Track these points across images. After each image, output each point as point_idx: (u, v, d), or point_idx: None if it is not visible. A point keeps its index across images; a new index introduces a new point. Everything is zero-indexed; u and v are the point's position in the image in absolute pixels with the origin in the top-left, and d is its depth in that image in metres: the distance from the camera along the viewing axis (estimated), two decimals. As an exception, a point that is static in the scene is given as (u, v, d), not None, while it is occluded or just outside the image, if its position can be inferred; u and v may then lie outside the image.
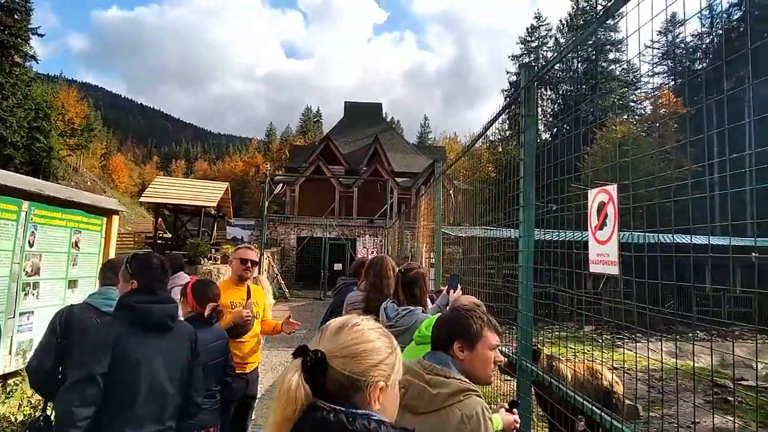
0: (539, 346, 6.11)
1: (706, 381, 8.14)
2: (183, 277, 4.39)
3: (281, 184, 31.59)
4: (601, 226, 2.84)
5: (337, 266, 20.07)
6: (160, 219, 23.82)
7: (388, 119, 72.21)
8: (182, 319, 3.26)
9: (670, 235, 15.18)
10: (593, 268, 2.92)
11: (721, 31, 41.27)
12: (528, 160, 4.10)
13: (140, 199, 24.88)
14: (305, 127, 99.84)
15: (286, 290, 20.18)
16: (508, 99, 4.95)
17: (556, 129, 44.17)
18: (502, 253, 5.36)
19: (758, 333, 13.53)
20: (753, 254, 12.03)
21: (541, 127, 50.26)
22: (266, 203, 19.96)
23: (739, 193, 24.33)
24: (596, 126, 33.76)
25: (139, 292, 2.54)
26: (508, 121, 47.73)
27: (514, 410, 3.24)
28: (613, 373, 5.87)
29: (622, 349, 10.34)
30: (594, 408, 3.25)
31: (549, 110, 49.75)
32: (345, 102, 41.85)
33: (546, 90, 49.60)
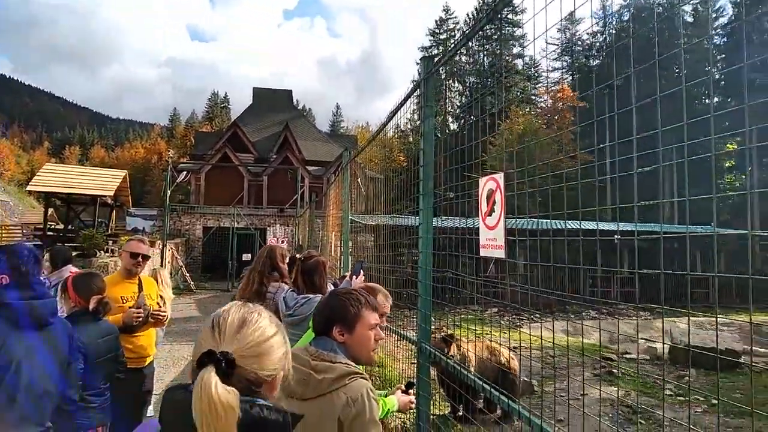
0: (446, 330, 6.35)
1: (596, 356, 8.79)
2: (69, 271, 4.12)
3: (185, 172, 30.31)
4: (490, 212, 2.98)
5: (246, 257, 19.62)
6: (50, 209, 22.09)
7: (299, 107, 71.21)
8: (65, 314, 3.07)
9: (572, 222, 16.17)
10: (483, 252, 3.07)
11: (613, 31, 44.24)
12: (427, 149, 4.21)
13: (28, 188, 22.94)
14: (212, 113, 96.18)
15: (192, 283, 19.48)
16: (410, 90, 5.05)
17: (463, 120, 45.58)
18: (407, 240, 5.50)
19: (640, 311, 14.79)
20: (615, 237, 13.05)
21: (450, 118, 51.66)
22: (169, 192, 19.09)
23: (628, 183, 26.34)
24: (499, 117, 35.14)
25: (11, 287, 2.36)
26: (417, 112, 48.71)
27: (411, 391, 3.34)
28: (511, 351, 6.20)
29: (520, 330, 10.93)
30: (485, 386, 3.42)
31: (457, 102, 51.21)
32: (254, 88, 40.73)
33: (454, 82, 50.99)
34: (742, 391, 7.13)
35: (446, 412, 5.83)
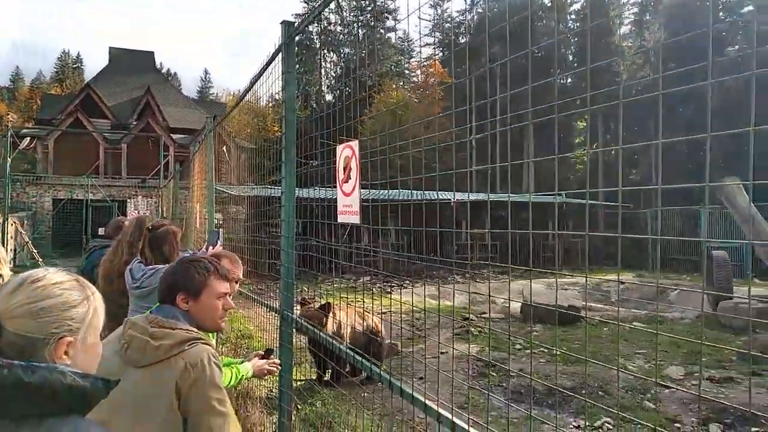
0: (320, 300, 6.39)
1: (457, 317, 9.36)
2: None
3: (29, 138, 27.19)
4: (347, 179, 3.02)
5: (102, 231, 18.19)
6: None
7: (164, 71, 66.40)
8: None
9: (438, 193, 16.91)
10: (341, 219, 3.11)
11: (481, 10, 46.18)
12: (289, 116, 4.13)
13: None
14: (62, 74, 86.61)
15: (40, 260, 17.72)
16: (271, 55, 4.88)
17: (338, 91, 45.40)
18: (273, 209, 5.42)
19: (498, 274, 15.93)
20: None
21: (324, 88, 51.16)
22: (9, 160, 17.04)
23: (491, 155, 27.99)
24: (373, 90, 35.48)
25: None
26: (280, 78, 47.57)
27: (272, 357, 3.33)
28: (377, 317, 6.41)
29: (391, 295, 11.31)
30: (348, 353, 3.50)
31: (332, 72, 50.81)
32: (110, 48, 37.23)
33: (329, 52, 50.43)
34: (579, 342, 8.01)
35: (313, 377, 5.91)
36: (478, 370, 6.44)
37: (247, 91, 5.64)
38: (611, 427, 4.82)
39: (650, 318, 10.01)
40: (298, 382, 5.77)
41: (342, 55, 50.18)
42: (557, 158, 1.87)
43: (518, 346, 7.54)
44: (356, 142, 2.91)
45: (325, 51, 50.26)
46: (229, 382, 2.84)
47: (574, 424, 4.92)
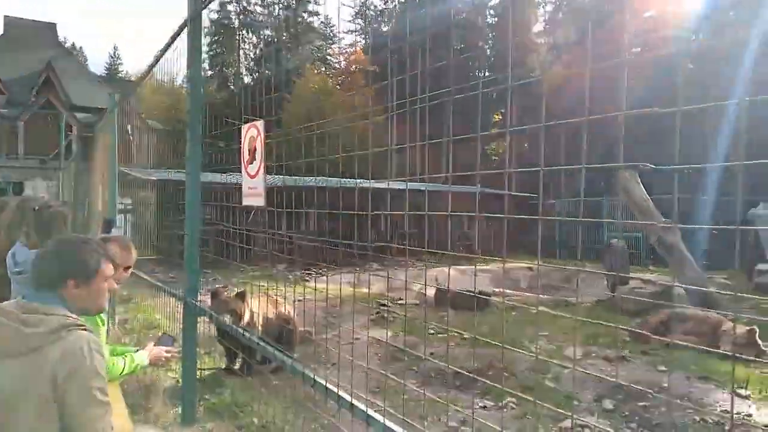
0: (234, 288, 6.19)
1: (373, 303, 9.43)
2: None
3: None
4: (252, 160, 2.92)
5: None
6: None
7: (67, 45, 61.84)
8: None
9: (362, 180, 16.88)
10: (246, 201, 3.01)
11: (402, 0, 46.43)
12: (195, 94, 3.95)
13: None
14: (-51, 43, 78.66)
15: None
16: (177, 30, 4.63)
17: (258, 74, 44.24)
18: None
19: (416, 261, 16.21)
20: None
21: (243, 70, 49.68)
22: None
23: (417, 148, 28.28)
24: (294, 75, 34.94)
25: None
26: (208, 60, 45.80)
27: (175, 344, 3.19)
28: (291, 304, 6.32)
29: (308, 283, 11.20)
30: (259, 343, 3.42)
31: (251, 54, 49.39)
32: (5, 17, 34.13)
33: (248, 33, 48.95)
34: (489, 325, 8.30)
35: (222, 366, 5.76)
36: (391, 354, 6.52)
37: (152, 67, 5.35)
38: (514, 406, 5.03)
39: (556, 302, 10.54)
40: (206, 372, 5.59)
41: (262, 37, 48.87)
42: (480, 136, 1.89)
43: (431, 331, 7.70)
44: (261, 122, 2.82)
45: (244, 32, 48.74)
46: (122, 372, 2.69)
47: (480, 404, 5.08)
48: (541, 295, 11.87)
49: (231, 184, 4.06)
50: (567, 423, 4.62)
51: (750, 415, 4.98)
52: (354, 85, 35.32)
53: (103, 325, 2.79)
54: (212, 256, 11.66)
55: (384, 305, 9.13)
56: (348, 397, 2.42)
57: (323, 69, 44.79)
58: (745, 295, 11.39)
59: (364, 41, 47.85)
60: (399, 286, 10.55)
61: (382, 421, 2.18)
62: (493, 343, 2.94)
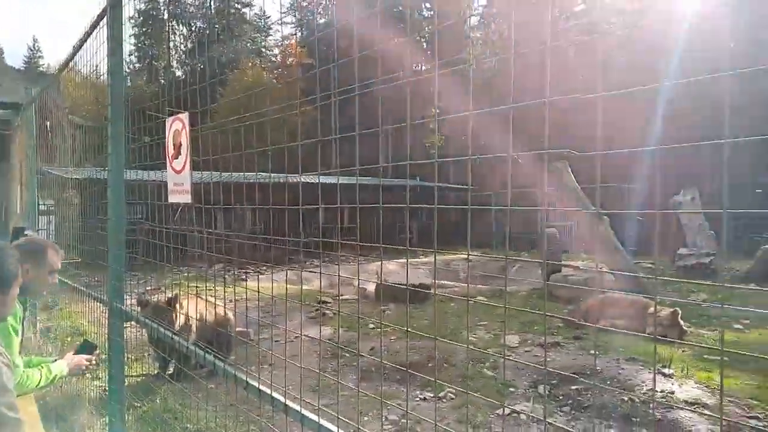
0: (166, 291, 5.92)
1: (312, 300, 9.31)
2: None
3: None
4: (177, 155, 2.78)
5: None
6: None
7: (-20, 35, 57.71)
8: None
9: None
10: (172, 198, 2.87)
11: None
12: (116, 87, 3.74)
13: None
14: None
15: None
16: (95, 20, 4.36)
17: (189, 67, 42.79)
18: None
19: (358, 256, 16.19)
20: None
21: (174, 63, 47.95)
22: None
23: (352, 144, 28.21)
24: (228, 68, 34.08)
25: None
26: (136, 53, 43.96)
27: (97, 352, 3.01)
28: (230, 305, 6.14)
29: (243, 284, 10.95)
30: (189, 348, 3.27)
31: (182, 47, 47.72)
32: None
33: (178, 25, 47.24)
34: (428, 318, 8.38)
35: (153, 372, 5.53)
36: (331, 351, 6.46)
37: (69, 59, 5.04)
38: (453, 397, 5.08)
39: (493, 292, 10.78)
40: (137, 379, 5.35)
41: (193, 29, 47.32)
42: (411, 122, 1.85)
43: (372, 326, 7.69)
44: (186, 114, 2.68)
45: (174, 23, 47.04)
46: (39, 384, 2.51)
47: (420, 396, 5.11)
48: (479, 285, 12.11)
49: (159, 181, 3.88)
50: (505, 409, 4.72)
51: (673, 393, 5.25)
52: (290, 78, 34.80)
53: (17, 335, 2.60)
54: (141, 258, 11.21)
55: (324, 302, 9.05)
56: (282, 399, 2.35)
57: (258, 62, 43.86)
58: (668, 278, 12.04)
59: (299, 34, 47.23)
60: (341, 282, 10.49)
61: (316, 420, 2.12)
62: (426, 336, 2.96)
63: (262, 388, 2.49)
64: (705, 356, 6.30)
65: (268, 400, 2.46)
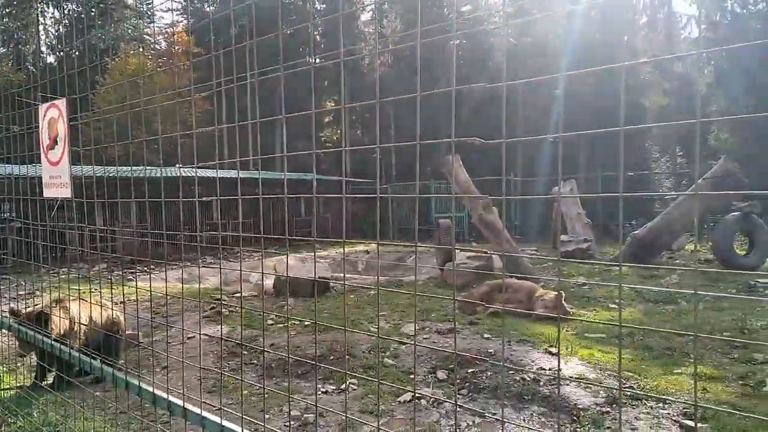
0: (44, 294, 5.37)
1: (208, 298, 8.96)
2: None
3: None
4: (53, 145, 2.54)
5: None
6: None
7: None
8: None
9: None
10: (48, 193, 2.61)
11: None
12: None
13: None
14: None
15: None
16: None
17: (62, 53, 39.28)
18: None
19: (252, 252, 15.81)
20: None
21: (44, 48, 43.87)
22: None
23: (245, 136, 27.41)
24: (108, 55, 31.77)
25: None
26: (1, 36, 39.65)
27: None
28: (118, 307, 5.73)
29: (134, 282, 10.32)
30: (72, 355, 3.02)
31: (53, 31, 43.70)
32: None
33: (49, 7, 43.14)
34: (329, 311, 8.37)
35: (28, 383, 5.05)
36: (228, 350, 6.26)
37: None
38: (356, 387, 5.12)
39: (390, 283, 10.98)
40: (9, 392, 4.87)
41: (66, 12, 43.49)
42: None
43: (271, 321, 7.55)
44: (63, 100, 2.45)
45: (44, 5, 42.97)
46: None
47: (322, 389, 5.10)
48: (376, 278, 12.28)
49: (32, 175, 3.54)
50: (406, 396, 4.82)
51: (559, 370, 5.65)
52: (176, 67, 33.06)
53: None
54: (12, 259, 10.17)
55: (219, 300, 8.74)
56: (180, 402, 2.24)
57: (141, 49, 41.21)
58: (551, 260, 12.92)
59: (185, 21, 44.90)
60: (236, 278, 10.18)
61: (218, 422, 2.05)
62: (336, 327, 2.95)
63: (157, 392, 2.36)
64: (585, 335, 6.83)
65: (165, 405, 2.33)
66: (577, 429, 4.33)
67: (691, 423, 4.34)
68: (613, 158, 23.97)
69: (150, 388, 2.37)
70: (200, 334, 3.24)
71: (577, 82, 22.35)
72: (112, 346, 5.16)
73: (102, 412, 4.06)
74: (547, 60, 24.40)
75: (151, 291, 2.61)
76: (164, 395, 2.31)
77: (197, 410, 2.15)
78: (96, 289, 6.48)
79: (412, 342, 5.64)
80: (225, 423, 2.03)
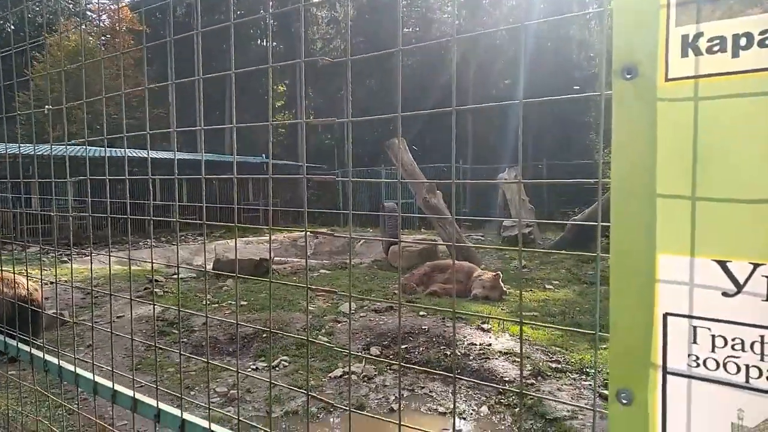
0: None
1: (143, 279, 8.74)
2: None
3: None
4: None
5: None
6: None
7: None
8: None
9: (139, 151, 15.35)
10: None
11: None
12: None
13: None
14: None
15: None
16: None
17: (-4, 27, 37.18)
18: None
19: (197, 235, 15.52)
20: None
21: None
22: None
23: (191, 116, 26.72)
24: (45, 29, 30.27)
25: None
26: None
27: None
28: (38, 285, 5.50)
29: (69, 264, 9.93)
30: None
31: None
32: None
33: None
34: (266, 292, 8.29)
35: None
36: (159, 329, 6.12)
37: None
38: (287, 364, 5.10)
39: (335, 266, 10.97)
40: None
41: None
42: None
43: (207, 302, 7.43)
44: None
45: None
46: None
47: (253, 366, 5.06)
48: (324, 261, 12.26)
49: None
50: (337, 372, 4.84)
51: (490, 345, 5.78)
52: (121, 45, 31.83)
53: None
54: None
55: (155, 281, 8.53)
56: (89, 376, 2.16)
57: (83, 26, 39.44)
58: (495, 246, 13.17)
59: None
60: (178, 261, 9.96)
61: (147, 401, 1.98)
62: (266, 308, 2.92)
63: (80, 372, 2.27)
64: (517, 312, 7.01)
65: (84, 383, 2.24)
66: (501, 400, 4.45)
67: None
68: (560, 148, 24.68)
69: (71, 367, 2.26)
70: (132, 314, 3.15)
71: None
72: (27, 322, 4.96)
73: (14, 391, 3.91)
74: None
75: (79, 271, 2.50)
76: (88, 375, 2.22)
77: (109, 384, 2.08)
78: (26, 271, 6.19)
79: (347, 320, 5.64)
80: (138, 396, 1.97)
